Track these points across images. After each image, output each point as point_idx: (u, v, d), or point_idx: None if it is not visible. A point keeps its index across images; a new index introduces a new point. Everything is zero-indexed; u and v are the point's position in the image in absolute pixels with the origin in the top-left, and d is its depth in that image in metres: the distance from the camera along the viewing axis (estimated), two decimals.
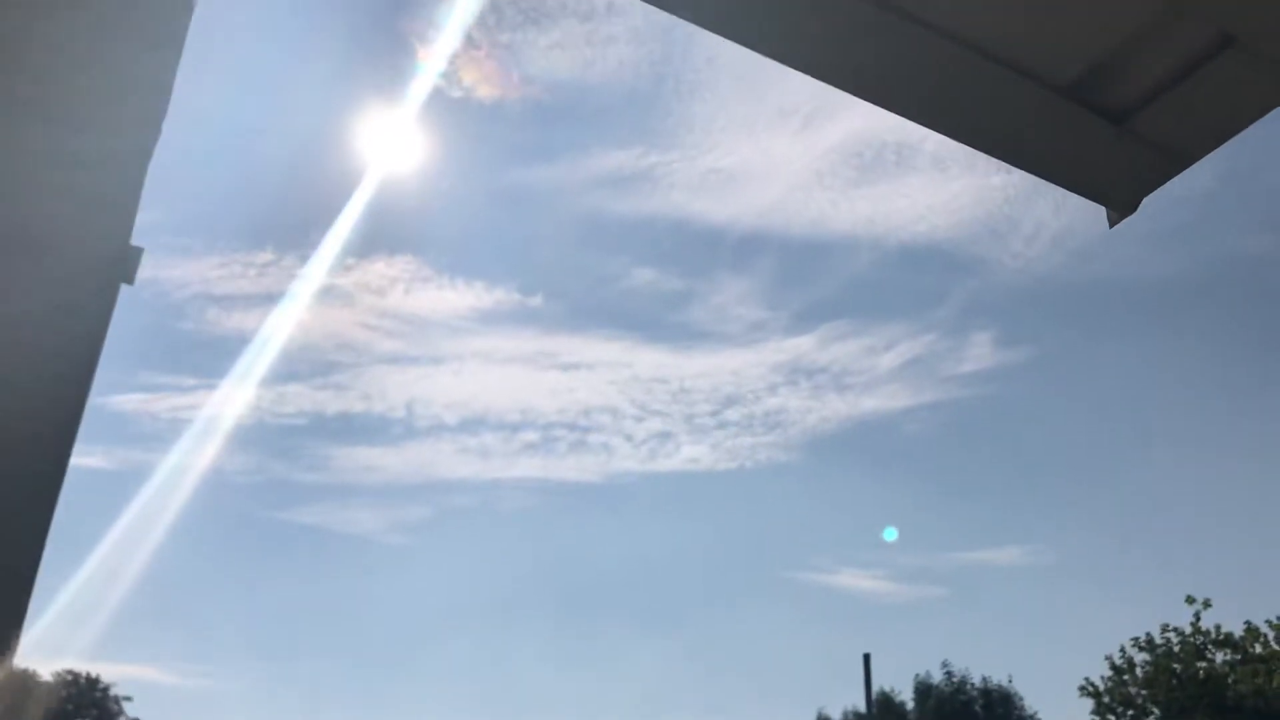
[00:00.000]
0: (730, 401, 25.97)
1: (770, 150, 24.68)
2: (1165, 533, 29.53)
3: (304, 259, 23.55)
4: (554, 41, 22.52)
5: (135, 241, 1.30)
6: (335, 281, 23.81)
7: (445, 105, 22.96)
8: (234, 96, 23.05)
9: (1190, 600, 18.85)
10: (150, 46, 1.25)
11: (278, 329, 24.83)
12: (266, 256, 23.55)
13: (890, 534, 27.57)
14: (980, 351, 27.38)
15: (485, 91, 23.38)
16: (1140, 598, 29.09)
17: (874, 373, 26.19)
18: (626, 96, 23.35)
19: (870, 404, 26.64)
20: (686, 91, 23.34)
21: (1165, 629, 19.08)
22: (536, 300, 25.14)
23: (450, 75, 23.62)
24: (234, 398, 23.03)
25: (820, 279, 25.98)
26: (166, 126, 1.29)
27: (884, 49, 1.82)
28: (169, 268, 23.67)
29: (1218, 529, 28.71)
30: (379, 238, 23.77)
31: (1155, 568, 29.83)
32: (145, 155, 1.24)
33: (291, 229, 23.18)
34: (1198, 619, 18.87)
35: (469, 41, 23.60)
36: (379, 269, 23.96)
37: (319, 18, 23.23)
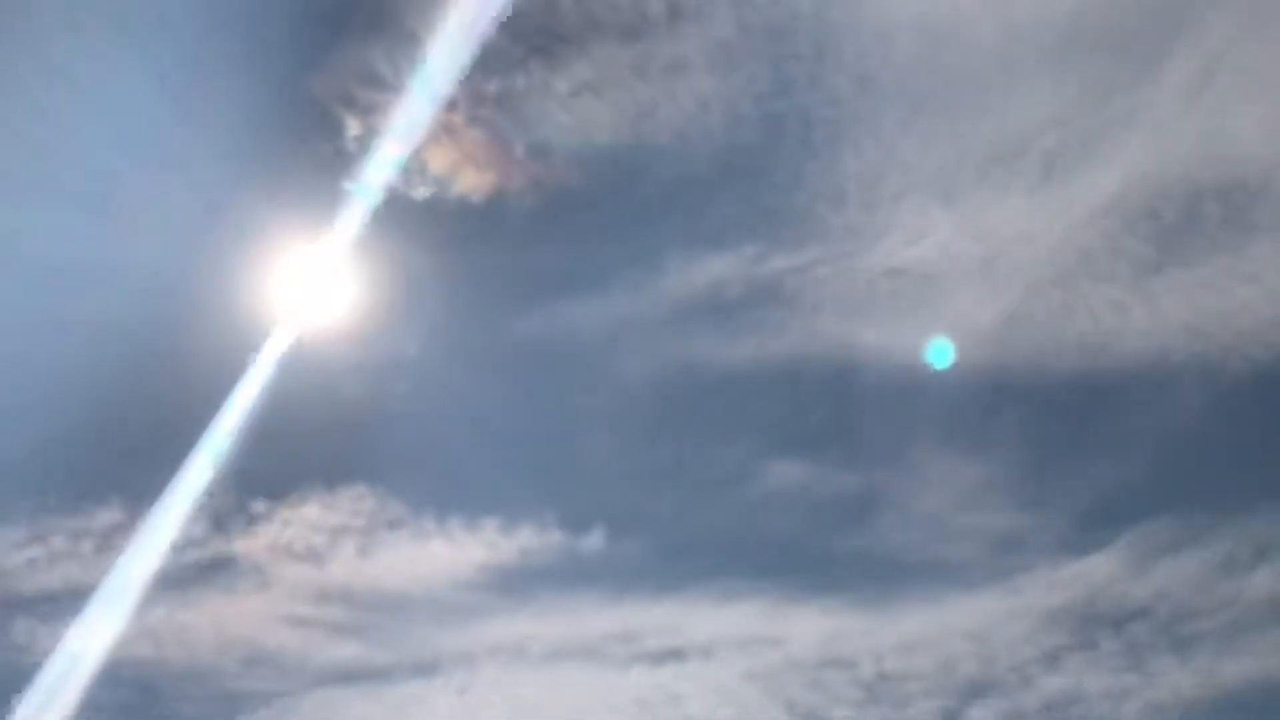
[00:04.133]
0: (976, 690, 15.29)
1: (990, 223, 14.81)
2: None
3: (174, 515, 13.75)
4: (582, 80, 13.59)
5: None
6: (232, 548, 14.05)
7: (403, 214, 13.87)
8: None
9: None
10: None
11: (116, 645, 14.60)
12: (110, 516, 13.81)
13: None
14: None
15: (470, 182, 14.25)
16: None
17: (1239, 605, 15.32)
18: (718, 159, 14.56)
19: (1235, 670, 15.57)
20: (824, 141, 14.13)
21: None
22: (594, 540, 15.64)
23: (408, 161, 14.39)
24: None
25: (1123, 444, 15.45)
26: None
27: None
28: None
29: None
30: (306, 462, 14.19)
31: None
32: None
33: (149, 465, 13.73)
34: None
35: (435, 100, 14.45)
36: (310, 516, 14.23)
37: (162, 86, 14.14)
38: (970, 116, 14.50)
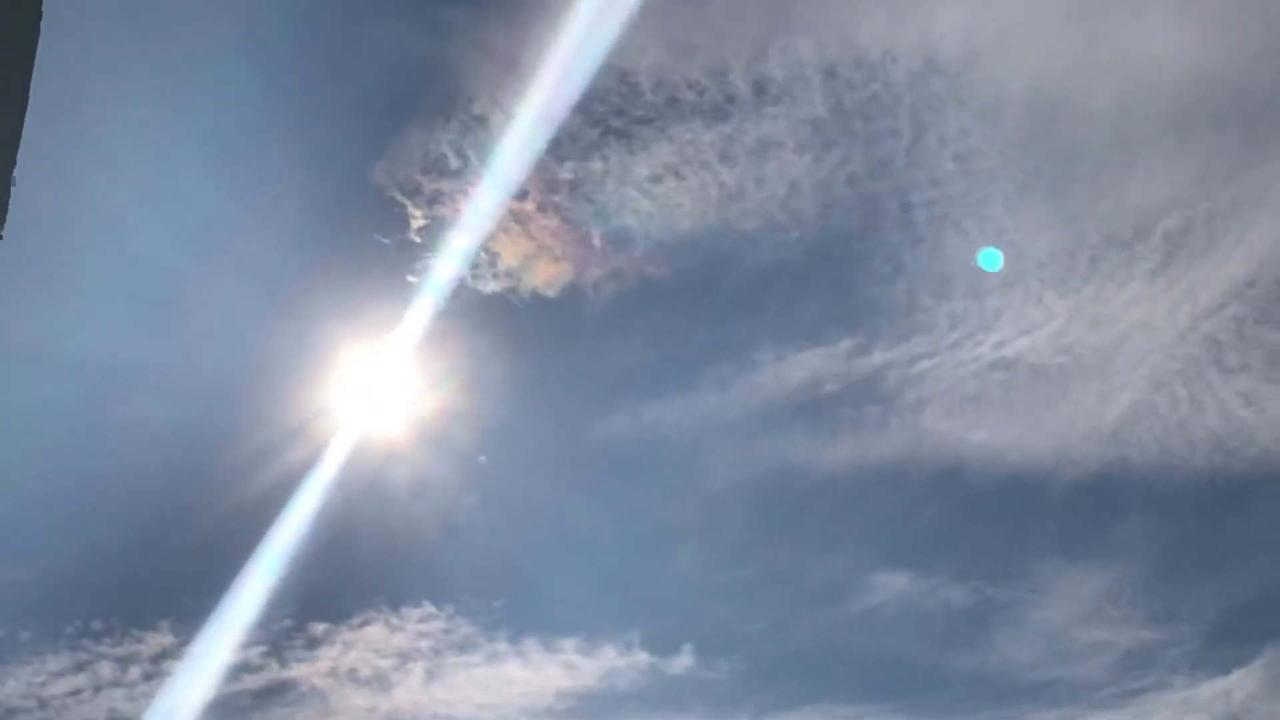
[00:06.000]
0: None
1: (1108, 311, 14.41)
2: None
3: (228, 639, 12.97)
4: (663, 163, 12.95)
5: None
6: (291, 673, 13.30)
7: (472, 309, 13.18)
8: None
9: None
10: None
11: None
12: (159, 641, 13.06)
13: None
14: None
15: (543, 274, 13.60)
16: None
17: None
18: (811, 246, 14.39)
19: None
20: (926, 224, 14.12)
21: None
22: (682, 661, 15.21)
23: (477, 252, 13.76)
24: None
25: (1261, 549, 14.89)
26: None
27: None
28: None
29: None
30: (368, 580, 13.46)
31: None
32: None
33: (200, 585, 13.03)
34: None
35: (506, 187, 13.74)
36: (373, 638, 13.41)
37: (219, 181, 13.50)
38: (1084, 196, 13.89)
